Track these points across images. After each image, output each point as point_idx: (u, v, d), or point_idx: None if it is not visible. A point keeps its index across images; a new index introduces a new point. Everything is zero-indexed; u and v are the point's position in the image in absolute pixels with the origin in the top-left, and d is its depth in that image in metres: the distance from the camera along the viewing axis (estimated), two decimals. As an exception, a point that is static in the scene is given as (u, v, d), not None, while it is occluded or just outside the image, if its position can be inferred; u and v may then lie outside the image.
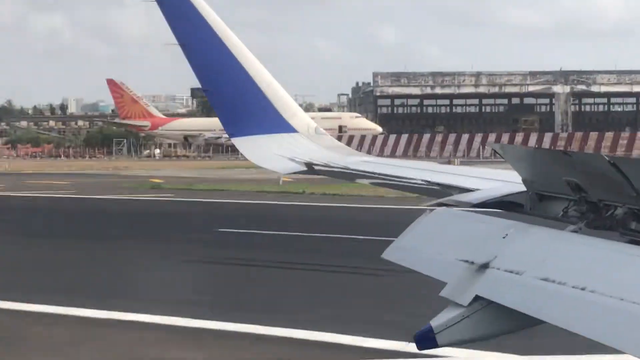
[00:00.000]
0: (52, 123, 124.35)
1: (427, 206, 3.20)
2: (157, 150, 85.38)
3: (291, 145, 4.45)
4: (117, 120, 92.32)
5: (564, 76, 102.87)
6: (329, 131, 7.45)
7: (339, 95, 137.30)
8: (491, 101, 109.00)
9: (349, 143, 49.52)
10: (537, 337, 5.93)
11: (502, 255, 2.21)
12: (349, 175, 4.37)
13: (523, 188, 2.81)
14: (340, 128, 74.63)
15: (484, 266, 2.21)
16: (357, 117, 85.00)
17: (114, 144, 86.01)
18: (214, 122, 51.30)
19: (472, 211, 2.96)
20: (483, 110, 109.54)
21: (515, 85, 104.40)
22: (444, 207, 3.06)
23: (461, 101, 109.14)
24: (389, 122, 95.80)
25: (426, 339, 2.16)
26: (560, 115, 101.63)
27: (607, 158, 2.17)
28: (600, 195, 2.39)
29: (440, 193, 3.33)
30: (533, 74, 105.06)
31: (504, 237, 2.29)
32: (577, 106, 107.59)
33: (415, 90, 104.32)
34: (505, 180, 3.11)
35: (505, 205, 2.96)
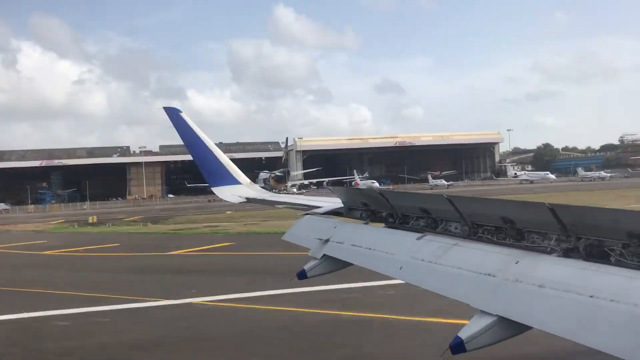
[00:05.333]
0: None
1: (302, 214, 5.98)
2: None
3: (239, 190, 7.67)
4: None
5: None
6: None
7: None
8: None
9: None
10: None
11: (334, 235, 4.87)
12: (268, 202, 7.60)
13: (341, 205, 5.57)
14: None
15: (327, 240, 4.84)
16: None
17: None
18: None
19: (321, 215, 5.73)
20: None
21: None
22: (309, 215, 5.86)
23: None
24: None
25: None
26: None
27: (377, 191, 4.91)
28: (375, 207, 5.04)
29: (308, 208, 6.14)
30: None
31: (334, 228, 5.14)
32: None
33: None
34: (334, 202, 5.89)
35: (335, 213, 5.69)
